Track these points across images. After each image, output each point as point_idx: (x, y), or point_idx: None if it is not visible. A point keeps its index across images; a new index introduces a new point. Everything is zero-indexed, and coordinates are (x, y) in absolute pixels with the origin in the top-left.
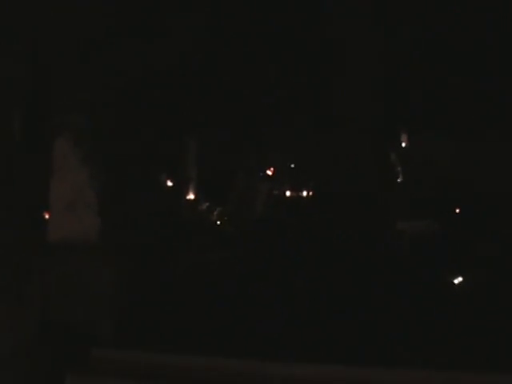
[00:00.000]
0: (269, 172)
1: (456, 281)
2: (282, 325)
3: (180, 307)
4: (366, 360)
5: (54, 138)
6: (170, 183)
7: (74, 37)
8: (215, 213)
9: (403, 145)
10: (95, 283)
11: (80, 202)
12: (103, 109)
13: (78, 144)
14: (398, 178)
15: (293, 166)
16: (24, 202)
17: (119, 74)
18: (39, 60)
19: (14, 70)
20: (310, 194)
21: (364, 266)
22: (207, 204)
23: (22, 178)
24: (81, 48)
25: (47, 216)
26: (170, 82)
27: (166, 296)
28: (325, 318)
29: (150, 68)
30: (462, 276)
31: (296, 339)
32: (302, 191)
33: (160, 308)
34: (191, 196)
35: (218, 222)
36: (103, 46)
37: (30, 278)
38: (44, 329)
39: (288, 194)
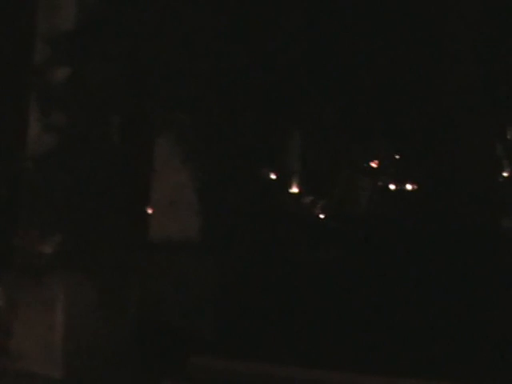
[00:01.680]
0: (373, 164)
1: None
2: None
3: (286, 312)
4: None
5: (156, 137)
6: (273, 176)
7: (175, 38)
8: (318, 206)
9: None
10: (196, 284)
11: (181, 202)
12: (204, 106)
13: (179, 143)
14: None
15: (397, 157)
16: (126, 201)
17: (219, 71)
18: (137, 61)
19: (112, 73)
20: (415, 187)
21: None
22: (311, 197)
23: (124, 177)
24: (181, 49)
25: (149, 215)
26: (272, 75)
27: (270, 299)
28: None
29: (251, 63)
30: None
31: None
32: (406, 184)
33: (264, 312)
34: (295, 189)
35: (322, 216)
36: (209, 45)
37: (130, 278)
38: (142, 331)
39: (392, 187)
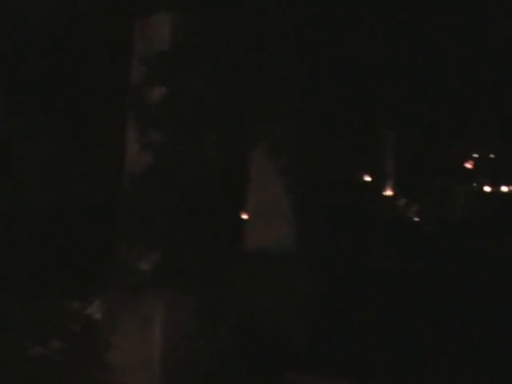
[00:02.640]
0: (468, 165)
1: None
2: None
3: (382, 326)
4: None
5: (251, 149)
6: (368, 178)
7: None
8: (413, 209)
9: None
10: (291, 295)
11: (275, 212)
12: (299, 117)
13: (273, 154)
14: None
15: (493, 156)
16: (223, 214)
17: (313, 78)
18: (232, 77)
19: (208, 90)
20: None
21: None
22: (404, 200)
23: (220, 191)
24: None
25: (244, 227)
26: (363, 77)
27: (369, 313)
28: None
29: (344, 68)
30: None
31: None
32: (503, 186)
33: (359, 326)
34: (389, 192)
35: (417, 219)
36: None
37: (227, 291)
38: (238, 344)
39: (487, 189)
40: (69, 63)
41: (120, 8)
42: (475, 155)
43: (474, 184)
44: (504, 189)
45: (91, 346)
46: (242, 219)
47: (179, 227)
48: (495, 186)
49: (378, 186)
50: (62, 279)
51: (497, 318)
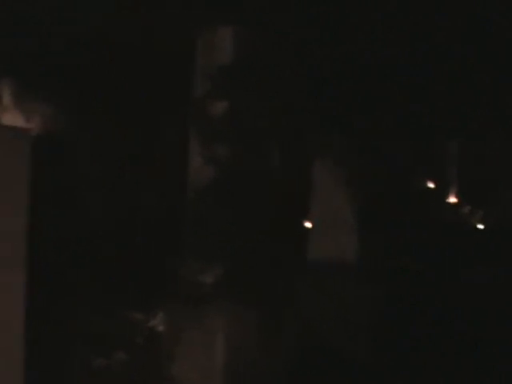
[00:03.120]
0: None
1: None
2: None
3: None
4: None
5: (314, 159)
6: (431, 185)
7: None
8: (477, 217)
9: None
10: (355, 306)
11: (339, 223)
12: (360, 125)
13: (337, 164)
14: None
15: None
16: (286, 226)
17: (375, 88)
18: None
19: (270, 103)
20: None
21: None
22: (469, 207)
23: (284, 202)
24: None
25: (308, 238)
26: (428, 86)
27: (433, 323)
28: None
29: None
30: None
31: None
32: None
33: (427, 338)
34: (452, 199)
35: (481, 227)
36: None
37: (289, 301)
38: (301, 356)
39: None
40: (132, 76)
41: (183, 21)
42: None
43: None
44: None
45: (154, 358)
46: (306, 230)
47: (242, 240)
48: None
49: (441, 193)
50: (125, 291)
51: None
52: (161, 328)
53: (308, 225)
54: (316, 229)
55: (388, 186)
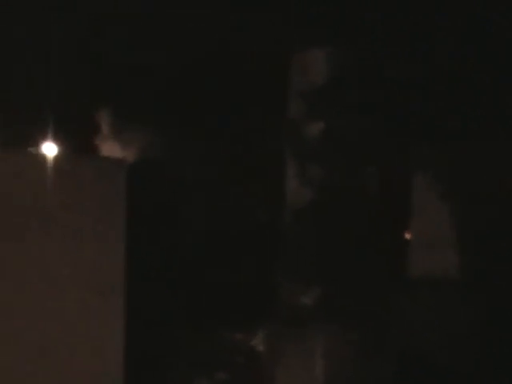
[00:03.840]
0: None
1: None
2: None
3: None
4: None
5: (413, 175)
6: None
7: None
8: None
9: None
10: (457, 323)
11: (440, 238)
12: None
13: (437, 179)
14: None
15: None
16: (385, 243)
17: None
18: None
19: (367, 124)
20: None
21: None
22: None
23: (382, 220)
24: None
25: (408, 253)
26: None
27: None
28: None
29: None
30: None
31: None
32: None
33: None
34: None
35: None
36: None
37: (389, 319)
38: (402, 374)
39: None
40: (227, 96)
41: (278, 42)
42: None
43: None
44: None
45: (254, 377)
46: (406, 247)
47: (341, 261)
48: None
49: None
50: (227, 311)
51: None
52: (261, 348)
53: (409, 241)
54: (417, 244)
55: (490, 200)
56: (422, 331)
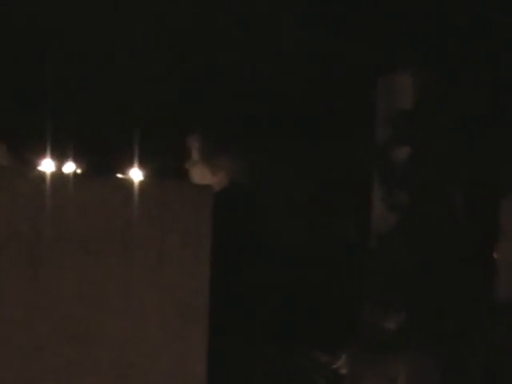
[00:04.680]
0: None
1: None
2: None
3: None
4: None
5: (502, 197)
6: None
7: None
8: None
9: None
10: None
11: None
12: None
13: None
14: None
15: None
16: (471, 268)
17: None
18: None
19: (454, 148)
20: None
21: None
22: None
23: (469, 244)
24: None
25: (495, 276)
26: None
27: None
28: None
29: None
30: None
31: None
32: None
33: None
34: None
35: None
36: None
37: (475, 345)
38: None
39: None
40: (315, 121)
41: (362, 66)
42: None
43: None
44: None
45: None
46: (494, 270)
47: (426, 286)
48: None
49: None
50: (310, 332)
51: None
52: (344, 371)
53: (496, 263)
54: (505, 267)
55: None
56: (511, 355)
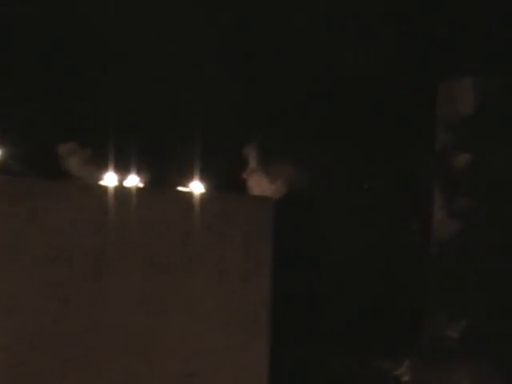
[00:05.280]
0: None
1: None
2: None
3: None
4: None
5: None
6: None
7: None
8: None
9: None
10: None
11: None
12: None
13: None
14: None
15: None
16: None
17: None
18: None
19: None
20: None
21: None
22: None
23: None
24: None
25: None
26: None
27: None
28: None
29: None
30: None
31: None
32: None
33: None
34: None
35: None
36: None
37: None
38: None
39: None
40: (375, 128)
41: (424, 72)
42: None
43: None
44: None
45: None
46: None
47: (488, 294)
48: None
49: None
50: (373, 339)
51: None
52: (406, 378)
53: None
54: None
55: None
56: None
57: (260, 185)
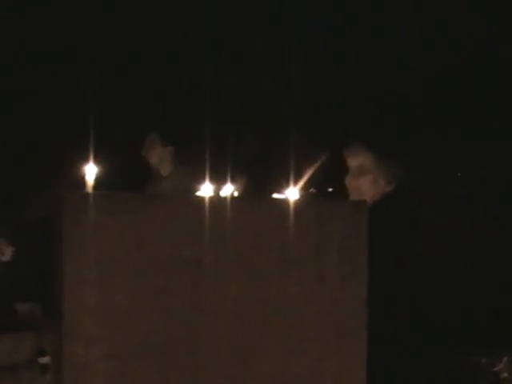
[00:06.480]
0: None
1: None
2: None
3: None
4: None
5: None
6: None
7: None
8: None
9: None
10: None
11: None
12: None
13: None
14: None
15: None
16: None
17: None
18: None
19: None
20: None
21: None
22: None
23: None
24: None
25: None
26: None
27: None
28: None
29: None
30: None
31: None
32: None
33: None
34: None
35: None
36: None
37: None
38: None
39: None
40: (471, 120)
41: None
42: None
43: None
44: None
45: None
46: None
47: None
48: None
49: None
50: (471, 335)
51: None
52: (505, 375)
53: None
54: None
55: None
56: None
57: (360, 187)
